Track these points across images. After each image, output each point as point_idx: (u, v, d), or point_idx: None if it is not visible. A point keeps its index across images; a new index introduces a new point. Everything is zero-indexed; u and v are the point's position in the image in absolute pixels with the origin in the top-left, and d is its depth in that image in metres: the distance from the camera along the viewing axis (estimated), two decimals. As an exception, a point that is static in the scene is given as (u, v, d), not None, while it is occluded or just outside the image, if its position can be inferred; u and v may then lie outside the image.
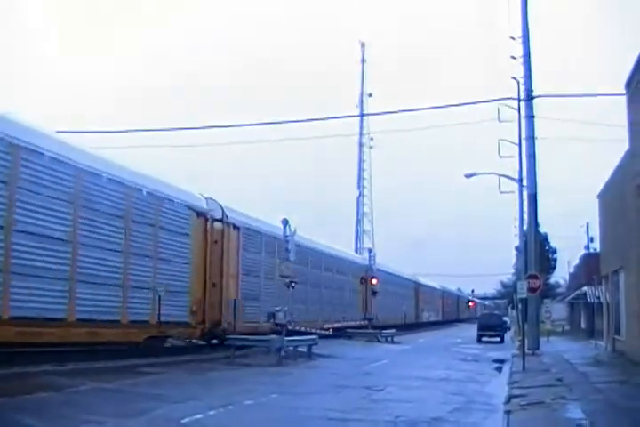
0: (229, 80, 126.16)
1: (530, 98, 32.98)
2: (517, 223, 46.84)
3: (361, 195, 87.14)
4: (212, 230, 27.42)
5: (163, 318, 23.22)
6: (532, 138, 33.31)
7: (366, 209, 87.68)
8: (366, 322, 47.23)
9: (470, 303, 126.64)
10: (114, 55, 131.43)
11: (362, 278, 48.39)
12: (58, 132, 21.72)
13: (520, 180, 38.55)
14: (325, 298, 42.79)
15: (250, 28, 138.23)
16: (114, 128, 32.80)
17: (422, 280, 79.61)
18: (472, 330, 54.66)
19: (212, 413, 12.93)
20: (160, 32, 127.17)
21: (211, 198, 28.21)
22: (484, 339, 48.30)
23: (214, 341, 28.12)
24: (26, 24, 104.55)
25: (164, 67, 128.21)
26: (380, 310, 53.09)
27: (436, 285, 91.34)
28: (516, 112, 35.96)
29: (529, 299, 29.69)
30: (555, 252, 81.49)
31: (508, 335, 52.06)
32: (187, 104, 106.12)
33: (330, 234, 67.47)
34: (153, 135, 33.00)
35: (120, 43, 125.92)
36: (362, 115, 79.17)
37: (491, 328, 49.43)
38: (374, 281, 48.67)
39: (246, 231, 30.58)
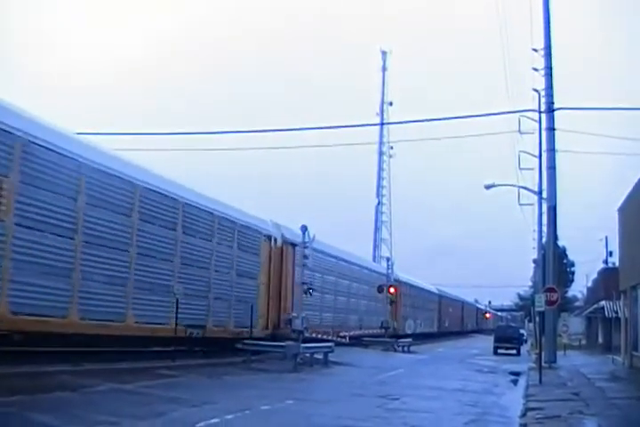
0: (247, 87, 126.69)
1: (551, 110, 32.86)
2: (536, 236, 46.64)
3: (380, 203, 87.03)
4: None
5: None
6: (552, 150, 33.19)
7: (385, 218, 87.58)
8: (382, 331, 47.07)
9: (487, 314, 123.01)
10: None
11: (379, 287, 48.17)
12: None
13: (540, 192, 38.43)
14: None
15: (269, 35, 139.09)
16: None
17: (404, 277, 60.58)
18: (481, 342, 54.34)
19: (228, 417, 12.95)
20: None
21: None
22: (501, 351, 48.03)
23: None
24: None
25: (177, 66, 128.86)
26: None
27: (431, 287, 75.88)
28: (537, 124, 35.94)
29: (546, 312, 29.53)
30: (573, 265, 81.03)
31: (524, 348, 51.77)
32: (201, 108, 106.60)
33: (348, 242, 67.21)
34: (165, 137, 32.99)
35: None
36: (382, 123, 79.12)
37: (507, 340, 49.13)
38: (392, 290, 48.40)
39: None
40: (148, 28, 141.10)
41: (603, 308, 45.87)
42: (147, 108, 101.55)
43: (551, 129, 32.91)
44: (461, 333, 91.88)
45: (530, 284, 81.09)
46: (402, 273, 59.43)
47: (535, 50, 34.15)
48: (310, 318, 31.54)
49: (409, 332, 57.29)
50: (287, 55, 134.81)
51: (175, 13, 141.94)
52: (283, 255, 33.35)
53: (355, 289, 46.00)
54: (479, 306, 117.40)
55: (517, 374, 29.23)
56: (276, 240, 32.64)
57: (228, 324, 27.80)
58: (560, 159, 33.49)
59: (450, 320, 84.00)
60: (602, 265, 61.98)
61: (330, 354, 28.85)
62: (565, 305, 60.86)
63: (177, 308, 23.11)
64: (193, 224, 25.25)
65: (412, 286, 63.90)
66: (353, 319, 45.04)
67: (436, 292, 77.15)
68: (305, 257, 29.26)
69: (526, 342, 58.46)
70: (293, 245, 33.75)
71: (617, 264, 40.02)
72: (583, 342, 61.24)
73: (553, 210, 33.48)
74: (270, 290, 31.72)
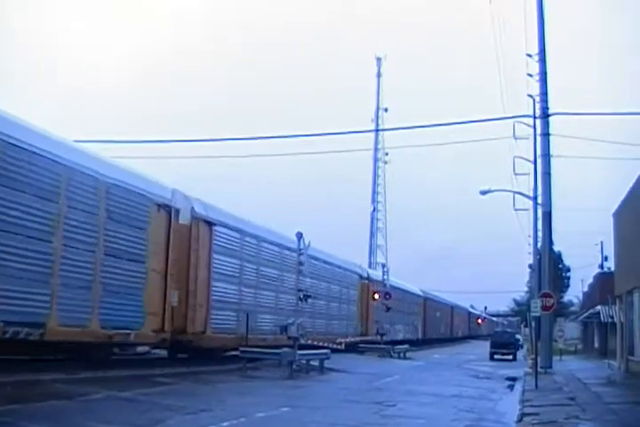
0: (240, 93, 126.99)
1: (546, 115, 32.92)
2: (531, 241, 46.65)
3: (375, 210, 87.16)
4: None
5: None
6: (547, 155, 33.25)
7: (380, 224, 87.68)
8: (378, 337, 46.96)
9: (479, 320, 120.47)
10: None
11: (374, 293, 47.99)
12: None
13: (535, 197, 38.44)
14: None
15: (262, 39, 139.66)
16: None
17: (376, 274, 51.82)
18: (477, 348, 54.34)
19: (224, 424, 12.92)
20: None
21: None
22: (497, 357, 48.08)
23: None
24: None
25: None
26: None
27: (414, 288, 66.57)
28: (532, 130, 36.03)
29: (542, 317, 29.57)
30: (568, 270, 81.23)
31: (520, 353, 51.79)
32: (195, 114, 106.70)
33: (343, 248, 67.10)
34: (158, 146, 32.98)
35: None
36: (377, 130, 79.29)
37: (503, 346, 49.27)
38: (387, 296, 48.19)
39: None
40: (142, 32, 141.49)
41: (598, 313, 45.99)
42: (143, 112, 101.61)
43: (546, 134, 32.97)
44: (451, 339, 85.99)
45: (526, 289, 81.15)
46: (374, 271, 54.09)
47: (529, 55, 34.25)
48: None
49: (385, 339, 49.12)
50: (283, 60, 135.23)
51: (172, 15, 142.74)
52: (192, 236, 25.29)
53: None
54: (472, 311, 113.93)
55: (513, 379, 29.23)
56: (178, 213, 24.15)
57: (91, 322, 19.34)
58: (556, 164, 33.59)
59: (437, 326, 76.75)
60: (597, 270, 62.18)
61: (326, 361, 28.82)
62: (561, 310, 61.04)
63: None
64: (20, 175, 17.09)
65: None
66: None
67: (421, 294, 69.33)
68: (300, 264, 29.19)
69: (522, 347, 58.50)
70: (210, 224, 26.36)
71: (612, 269, 40.08)
72: (579, 346, 61.29)
73: (548, 215, 33.53)
74: (169, 281, 23.22)
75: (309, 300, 30.97)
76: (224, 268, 27.34)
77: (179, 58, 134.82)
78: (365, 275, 49.68)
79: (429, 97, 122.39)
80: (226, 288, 27.44)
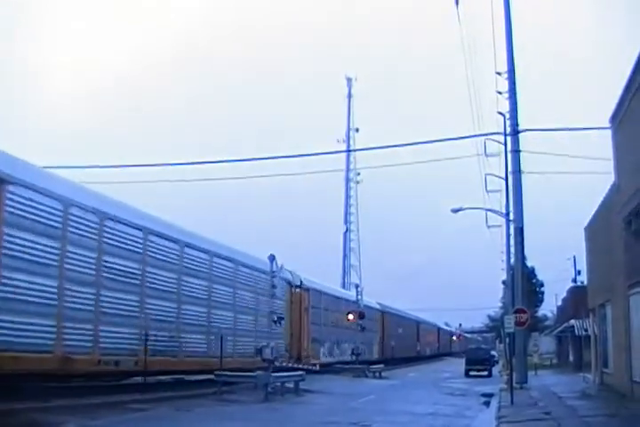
0: (240, 92, 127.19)
1: (516, 132, 33.19)
2: (504, 257, 46.86)
3: (348, 230, 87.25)
4: None
5: None
6: (518, 172, 33.47)
7: (353, 244, 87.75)
8: (354, 357, 46.77)
9: (451, 337, 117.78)
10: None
11: (348, 313, 47.64)
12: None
13: (507, 214, 38.66)
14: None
15: (262, 39, 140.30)
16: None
17: (312, 280, 43.59)
18: (449, 366, 54.40)
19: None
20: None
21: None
22: (472, 373, 48.10)
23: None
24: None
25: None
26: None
27: (369, 301, 54.93)
28: (503, 146, 36.25)
29: (516, 332, 29.60)
30: (542, 285, 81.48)
31: (495, 369, 51.84)
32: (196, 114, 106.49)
33: (317, 269, 66.90)
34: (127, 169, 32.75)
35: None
36: (348, 150, 79.64)
37: (478, 362, 49.31)
38: (361, 316, 47.90)
39: None
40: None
41: (572, 326, 46.14)
42: (143, 112, 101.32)
43: (516, 151, 33.21)
44: (417, 358, 78.37)
45: (500, 305, 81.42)
46: (309, 276, 43.67)
47: (499, 73, 34.54)
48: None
49: (324, 360, 43.70)
50: (283, 60, 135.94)
51: (172, 15, 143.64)
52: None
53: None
54: (443, 327, 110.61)
55: (489, 395, 29.20)
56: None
57: None
58: (527, 180, 33.67)
59: (399, 343, 68.15)
60: (571, 284, 62.55)
61: (301, 382, 28.66)
62: (536, 325, 61.18)
63: None
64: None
65: (330, 297, 46.91)
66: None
67: (378, 307, 60.82)
68: (273, 286, 29.08)
69: (497, 363, 58.59)
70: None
71: (585, 283, 40.33)
72: (554, 360, 61.56)
73: (520, 231, 33.66)
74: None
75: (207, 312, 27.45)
76: (26, 250, 18.25)
77: (179, 58, 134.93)
78: (298, 282, 40.50)
79: (399, 116, 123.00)
80: (29, 281, 18.16)
